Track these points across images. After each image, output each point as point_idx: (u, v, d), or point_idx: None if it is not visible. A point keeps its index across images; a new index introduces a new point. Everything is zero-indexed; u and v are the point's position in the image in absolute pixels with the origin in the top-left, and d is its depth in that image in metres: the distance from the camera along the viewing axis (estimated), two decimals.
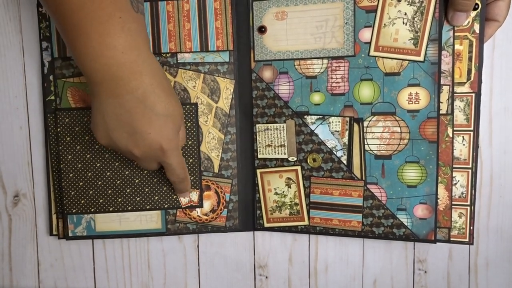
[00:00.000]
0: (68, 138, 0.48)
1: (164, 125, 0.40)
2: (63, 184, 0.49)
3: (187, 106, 0.48)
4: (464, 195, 0.47)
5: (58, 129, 0.48)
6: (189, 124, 0.48)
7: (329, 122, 0.48)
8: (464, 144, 0.47)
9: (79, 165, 0.49)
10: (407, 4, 0.45)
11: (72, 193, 0.49)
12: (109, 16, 0.36)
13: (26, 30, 0.50)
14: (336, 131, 0.48)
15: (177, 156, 0.43)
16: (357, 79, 0.47)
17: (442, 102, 0.46)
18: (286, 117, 0.49)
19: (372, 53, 0.46)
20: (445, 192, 0.47)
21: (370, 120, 0.47)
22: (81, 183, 0.49)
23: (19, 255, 0.53)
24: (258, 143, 0.50)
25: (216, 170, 0.50)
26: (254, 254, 0.53)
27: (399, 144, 0.47)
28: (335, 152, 0.48)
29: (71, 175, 0.49)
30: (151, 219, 0.50)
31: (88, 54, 0.37)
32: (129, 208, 0.49)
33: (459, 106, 0.46)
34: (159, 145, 0.40)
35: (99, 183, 0.49)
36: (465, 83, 0.46)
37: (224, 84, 0.49)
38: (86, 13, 0.36)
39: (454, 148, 0.47)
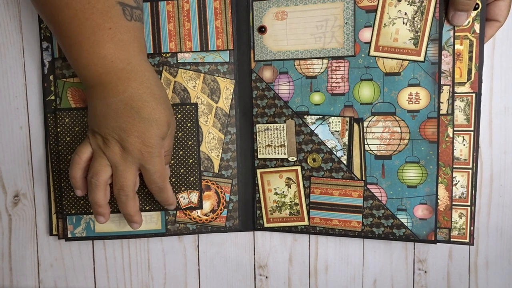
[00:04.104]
0: (68, 138, 0.48)
1: (146, 129, 0.40)
2: (62, 184, 0.49)
3: (187, 106, 0.48)
4: (464, 195, 0.47)
5: (58, 129, 0.48)
6: (189, 124, 0.48)
7: (329, 122, 0.48)
8: (464, 144, 0.47)
9: None
10: (407, 4, 0.45)
11: (72, 193, 0.49)
12: (99, 27, 0.38)
13: (26, 30, 0.50)
14: (336, 131, 0.48)
15: (157, 163, 0.42)
16: (357, 79, 0.47)
17: (442, 102, 0.46)
18: (286, 117, 0.49)
19: (372, 53, 0.46)
20: (445, 192, 0.47)
21: (370, 120, 0.47)
22: None
23: (19, 255, 0.53)
24: (258, 143, 0.50)
25: (216, 170, 0.50)
26: (254, 254, 0.53)
27: (399, 144, 0.47)
28: (335, 152, 0.48)
29: None
30: (151, 219, 0.50)
31: (80, 63, 0.39)
32: None
33: (460, 106, 0.46)
34: (140, 146, 0.40)
35: None
36: (465, 83, 0.46)
37: (224, 84, 0.49)
38: (77, 24, 0.38)
39: (454, 148, 0.46)
